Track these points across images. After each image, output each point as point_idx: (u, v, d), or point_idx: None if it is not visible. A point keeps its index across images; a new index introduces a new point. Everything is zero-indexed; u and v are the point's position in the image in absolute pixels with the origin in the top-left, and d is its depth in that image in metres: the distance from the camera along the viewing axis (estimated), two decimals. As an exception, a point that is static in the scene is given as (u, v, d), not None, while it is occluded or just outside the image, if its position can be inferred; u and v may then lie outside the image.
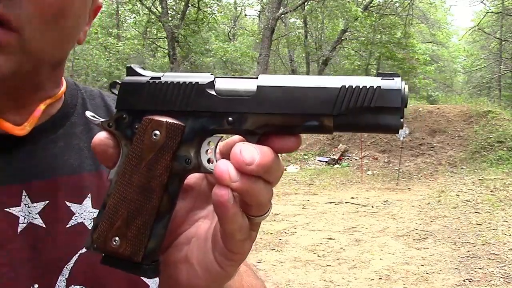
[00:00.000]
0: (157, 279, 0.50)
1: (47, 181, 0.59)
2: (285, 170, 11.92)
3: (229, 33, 27.46)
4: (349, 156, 13.32)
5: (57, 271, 0.57)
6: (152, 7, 18.57)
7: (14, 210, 0.56)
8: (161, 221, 0.46)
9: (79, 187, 0.62)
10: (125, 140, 0.46)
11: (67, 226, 0.59)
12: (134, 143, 0.45)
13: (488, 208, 7.58)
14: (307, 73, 23.47)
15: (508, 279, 4.63)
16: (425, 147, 12.97)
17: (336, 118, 0.42)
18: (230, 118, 0.44)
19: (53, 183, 0.59)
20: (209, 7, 19.65)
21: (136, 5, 19.02)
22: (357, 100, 0.42)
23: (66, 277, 0.57)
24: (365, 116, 0.42)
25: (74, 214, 0.60)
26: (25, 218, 0.56)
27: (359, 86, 0.42)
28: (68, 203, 0.60)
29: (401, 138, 11.40)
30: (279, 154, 0.44)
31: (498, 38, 24.31)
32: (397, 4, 21.01)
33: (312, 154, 13.78)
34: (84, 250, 0.59)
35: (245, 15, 30.77)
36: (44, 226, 0.57)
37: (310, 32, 23.31)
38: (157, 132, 0.44)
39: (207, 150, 0.46)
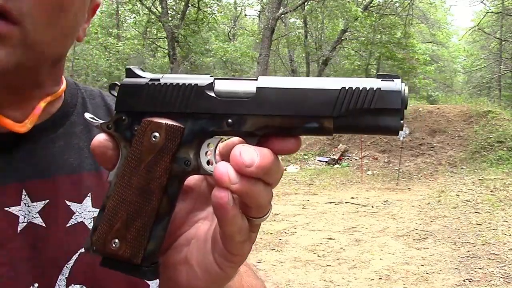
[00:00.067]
0: (157, 279, 0.50)
1: (47, 180, 0.59)
2: (285, 170, 11.92)
3: (229, 33, 27.46)
4: (349, 156, 13.32)
5: (57, 270, 0.57)
6: (152, 7, 18.58)
7: (14, 209, 0.56)
8: (160, 223, 0.46)
9: (79, 186, 0.62)
10: (125, 142, 0.46)
11: (67, 225, 0.59)
12: (133, 145, 0.45)
13: (488, 208, 7.58)
14: (307, 73, 23.49)
15: (508, 279, 4.63)
16: (425, 147, 12.97)
17: (336, 119, 0.42)
18: (229, 120, 0.44)
19: (53, 183, 0.59)
20: (209, 7, 19.66)
21: (136, 5, 19.03)
22: (357, 102, 0.42)
23: (66, 276, 0.57)
24: (365, 117, 0.42)
25: (74, 213, 0.60)
26: (25, 217, 0.56)
27: (359, 88, 0.42)
28: (68, 202, 0.60)
29: (401, 138, 11.41)
30: (279, 156, 0.44)
31: (498, 38, 24.31)
32: (397, 4, 21.02)
33: (312, 154, 13.78)
34: (84, 249, 0.59)
35: (245, 15, 30.79)
36: (44, 225, 0.57)
37: (310, 32, 23.32)
38: (157, 134, 0.44)
39: (206, 152, 0.46)
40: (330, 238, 6.20)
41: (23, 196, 0.57)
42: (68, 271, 0.57)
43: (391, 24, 20.59)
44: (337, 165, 12.75)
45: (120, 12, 24.14)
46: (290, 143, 0.43)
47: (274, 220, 7.07)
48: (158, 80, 0.46)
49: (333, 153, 13.38)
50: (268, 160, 0.41)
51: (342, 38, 21.13)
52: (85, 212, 0.61)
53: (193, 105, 0.44)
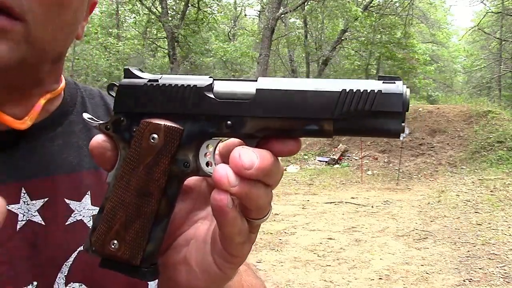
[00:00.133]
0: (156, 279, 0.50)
1: (46, 178, 0.59)
2: (285, 170, 11.92)
3: (229, 33, 27.45)
4: (349, 156, 13.32)
5: (56, 269, 0.57)
6: (152, 7, 18.58)
7: (13, 208, 0.56)
8: (159, 224, 0.46)
9: (78, 184, 0.62)
10: (123, 143, 0.46)
11: (66, 223, 0.59)
12: (132, 147, 0.45)
13: (488, 208, 7.58)
14: (307, 73, 23.49)
15: (508, 279, 4.62)
16: (425, 147, 12.97)
17: (336, 122, 0.42)
18: (228, 122, 0.43)
19: (52, 181, 0.59)
20: (209, 7, 19.66)
21: (136, 5, 19.03)
22: (357, 104, 0.41)
23: (65, 274, 0.57)
24: (365, 120, 0.42)
25: (73, 211, 0.60)
26: (24, 215, 0.56)
27: (359, 90, 0.41)
28: (67, 201, 0.60)
29: (401, 138, 11.39)
30: (279, 157, 0.43)
31: (498, 38, 24.31)
32: (397, 4, 21.03)
33: (312, 154, 13.78)
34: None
35: (245, 15, 30.78)
36: (43, 223, 0.57)
37: (310, 32, 23.31)
38: (155, 136, 0.44)
39: (205, 153, 0.46)
40: (330, 238, 6.20)
41: (22, 194, 0.56)
42: (67, 269, 0.57)
43: (391, 24, 20.60)
44: (337, 165, 12.74)
45: (120, 12, 24.13)
46: (290, 145, 0.43)
47: (274, 220, 7.07)
48: (157, 80, 0.45)
49: (333, 153, 13.38)
50: (268, 162, 0.41)
51: (342, 38, 21.13)
52: (84, 210, 0.61)
53: (192, 107, 0.44)
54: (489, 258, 5.22)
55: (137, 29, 23.29)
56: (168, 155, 0.44)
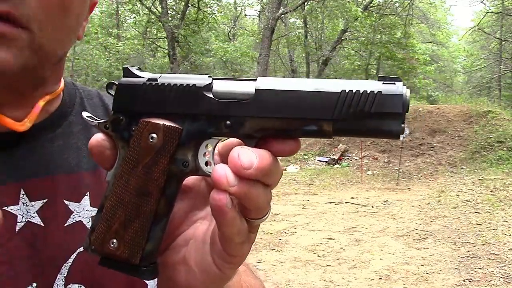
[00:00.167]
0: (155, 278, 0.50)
1: (46, 179, 0.59)
2: (285, 170, 11.93)
3: (229, 33, 27.45)
4: (349, 156, 13.32)
5: (55, 270, 0.57)
6: (152, 7, 18.58)
7: (12, 209, 0.56)
8: (158, 223, 0.46)
9: (77, 185, 0.62)
10: (122, 142, 0.45)
11: (66, 224, 0.59)
12: (131, 146, 0.45)
13: (488, 208, 7.57)
14: (307, 73, 23.49)
15: (508, 279, 4.62)
16: (425, 147, 12.97)
17: (335, 123, 0.42)
18: (228, 122, 0.43)
19: (51, 182, 0.59)
20: (209, 7, 19.66)
21: (136, 5, 19.03)
22: (357, 105, 0.41)
23: (65, 275, 0.57)
24: (365, 121, 0.41)
25: (72, 212, 0.60)
26: (23, 216, 0.56)
27: (359, 91, 0.41)
28: (66, 202, 0.60)
29: (401, 138, 11.36)
30: (278, 157, 0.43)
31: (498, 38, 24.31)
32: (397, 4, 21.03)
33: (312, 154, 13.78)
34: (82, 248, 0.58)
35: (245, 15, 30.78)
36: (42, 224, 0.57)
37: (310, 32, 23.32)
38: (154, 135, 0.44)
39: (205, 153, 0.45)
40: (330, 238, 6.20)
41: (21, 195, 0.56)
42: (67, 270, 0.57)
43: (391, 24, 20.60)
44: (337, 165, 12.74)
45: (120, 12, 24.13)
46: (289, 145, 0.43)
47: (274, 220, 7.07)
48: (156, 80, 0.45)
49: (333, 153, 13.38)
50: (267, 162, 0.41)
51: (342, 38, 21.13)
52: (83, 211, 0.61)
53: (191, 106, 0.44)
54: (489, 258, 5.22)
55: (137, 29, 23.30)
56: (167, 155, 0.44)
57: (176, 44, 17.98)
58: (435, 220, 7.08)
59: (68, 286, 0.57)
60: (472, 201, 8.11)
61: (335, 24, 21.88)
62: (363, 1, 20.96)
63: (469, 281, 4.60)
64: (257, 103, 0.43)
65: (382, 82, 0.42)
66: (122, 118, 0.46)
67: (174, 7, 19.32)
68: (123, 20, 25.61)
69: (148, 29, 22.37)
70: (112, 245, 0.45)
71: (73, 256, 0.58)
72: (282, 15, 17.42)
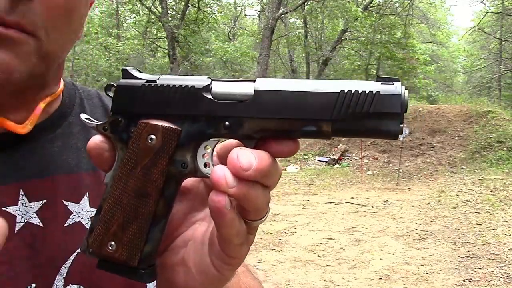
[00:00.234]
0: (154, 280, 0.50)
1: (45, 180, 0.59)
2: (285, 170, 11.93)
3: (229, 33, 27.45)
4: (349, 156, 13.32)
5: (55, 270, 0.57)
6: (152, 7, 18.58)
7: (12, 209, 0.55)
8: (157, 225, 0.45)
9: (77, 186, 0.62)
10: (121, 144, 0.45)
11: (65, 225, 0.59)
12: (129, 147, 0.45)
13: (488, 208, 7.57)
14: (307, 73, 23.49)
15: (508, 279, 4.62)
16: (425, 147, 12.97)
17: (334, 123, 0.42)
18: (226, 123, 0.43)
19: (51, 182, 0.59)
20: (209, 7, 19.66)
21: (136, 5, 19.03)
22: (356, 105, 0.41)
23: (64, 276, 0.57)
24: (364, 121, 0.41)
25: (72, 213, 0.60)
26: (22, 217, 0.56)
27: (358, 91, 0.41)
28: (65, 202, 0.60)
29: (401, 138, 11.38)
30: (277, 158, 0.43)
31: (498, 38, 24.30)
32: (397, 4, 21.02)
33: (312, 154, 13.78)
34: None
35: (245, 15, 30.77)
36: (41, 225, 0.57)
37: (310, 32, 23.31)
38: (153, 137, 0.44)
39: (203, 154, 0.45)
40: (330, 238, 6.20)
41: (20, 196, 0.56)
42: (66, 271, 0.57)
43: (391, 24, 20.60)
44: (337, 165, 12.74)
45: (120, 12, 24.14)
46: (288, 146, 0.43)
47: (274, 220, 7.07)
48: (155, 81, 0.45)
49: (333, 153, 13.38)
50: (266, 163, 0.41)
51: (342, 38, 21.13)
52: (82, 212, 0.61)
53: (190, 107, 0.44)
54: (489, 258, 5.22)
55: (137, 29, 23.30)
56: (166, 156, 0.44)
57: (176, 44, 17.98)
58: (435, 220, 7.08)
59: (67, 287, 0.57)
60: (472, 201, 8.11)
61: (335, 24, 21.88)
62: (363, 1, 20.96)
63: (469, 281, 4.60)
64: (256, 104, 0.42)
65: (380, 82, 0.42)
66: (120, 119, 0.45)
67: (174, 7, 19.32)
68: (123, 20, 25.62)
69: (148, 29, 22.37)
70: (110, 248, 0.45)
71: (72, 257, 0.58)
72: (282, 15, 17.41)
